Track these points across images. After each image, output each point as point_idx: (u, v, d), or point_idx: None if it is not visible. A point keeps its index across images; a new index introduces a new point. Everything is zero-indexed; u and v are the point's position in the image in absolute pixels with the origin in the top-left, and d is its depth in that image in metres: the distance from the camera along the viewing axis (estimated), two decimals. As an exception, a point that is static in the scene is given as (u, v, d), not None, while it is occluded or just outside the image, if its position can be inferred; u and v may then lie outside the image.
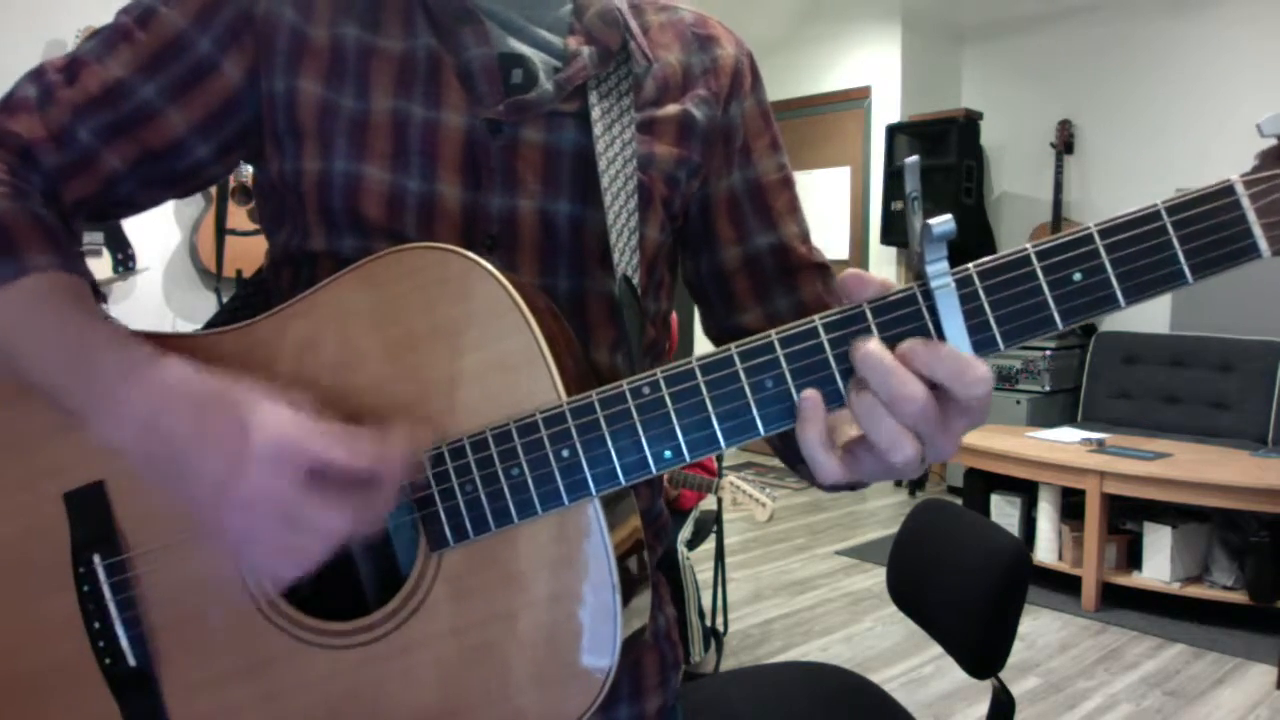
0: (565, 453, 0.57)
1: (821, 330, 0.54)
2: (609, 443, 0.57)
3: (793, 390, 0.54)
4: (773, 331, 0.55)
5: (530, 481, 0.58)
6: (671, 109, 0.75)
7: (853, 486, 0.73)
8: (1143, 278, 0.51)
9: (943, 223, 0.50)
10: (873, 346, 0.52)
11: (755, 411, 0.55)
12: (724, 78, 0.78)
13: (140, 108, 0.68)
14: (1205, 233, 0.50)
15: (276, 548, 0.55)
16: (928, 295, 0.52)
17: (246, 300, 0.80)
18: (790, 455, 0.74)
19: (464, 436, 0.59)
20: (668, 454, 0.56)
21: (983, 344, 0.52)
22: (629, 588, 0.59)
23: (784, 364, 0.54)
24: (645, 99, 0.75)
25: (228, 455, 0.54)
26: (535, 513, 0.58)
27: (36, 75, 0.69)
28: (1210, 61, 4.79)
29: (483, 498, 0.59)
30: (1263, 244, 0.50)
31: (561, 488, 0.58)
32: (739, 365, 0.55)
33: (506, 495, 0.58)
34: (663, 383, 0.56)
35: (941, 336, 0.52)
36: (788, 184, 0.82)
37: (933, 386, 0.51)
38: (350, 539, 0.55)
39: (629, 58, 0.74)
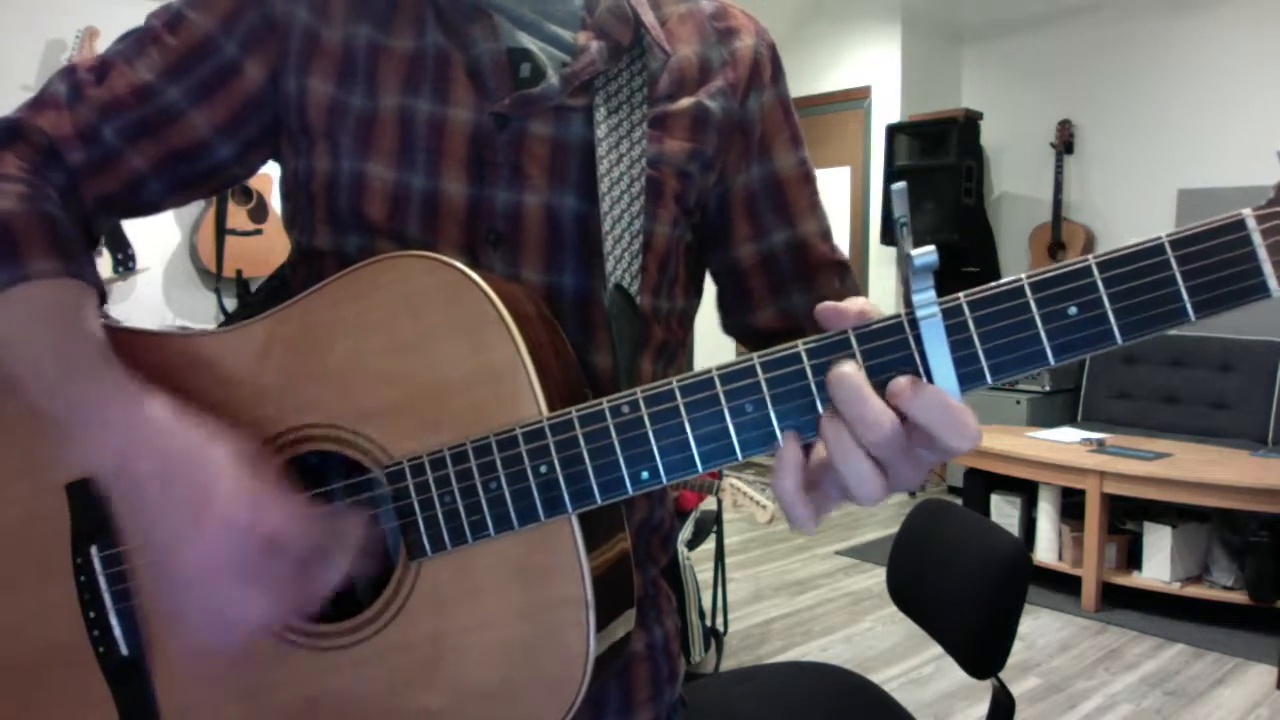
0: (543, 469, 0.57)
1: (804, 355, 0.52)
2: (586, 461, 0.56)
3: (772, 416, 0.53)
4: (755, 355, 0.53)
5: (508, 496, 0.58)
6: (685, 102, 0.74)
7: None
8: (1142, 314, 0.48)
9: (925, 253, 0.48)
10: (847, 368, 0.50)
11: (734, 436, 0.54)
12: (742, 69, 0.76)
13: (165, 109, 0.70)
14: (1211, 269, 0.47)
15: (225, 603, 0.57)
16: (914, 324, 0.50)
17: (271, 293, 0.81)
18: None
19: (444, 448, 0.59)
20: (645, 474, 0.55)
21: (969, 377, 0.50)
22: (606, 605, 0.59)
23: (764, 389, 0.53)
24: (660, 93, 0.74)
25: (190, 518, 0.57)
26: (512, 528, 0.58)
27: (68, 73, 0.71)
28: (1210, 61, 4.78)
29: (460, 510, 0.59)
30: (1273, 283, 0.46)
31: (539, 504, 0.57)
32: (719, 388, 0.54)
33: (484, 509, 0.58)
34: (642, 403, 0.55)
35: (927, 366, 0.50)
36: (808, 180, 0.80)
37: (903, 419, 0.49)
38: (304, 602, 0.58)
39: (644, 52, 0.73)
